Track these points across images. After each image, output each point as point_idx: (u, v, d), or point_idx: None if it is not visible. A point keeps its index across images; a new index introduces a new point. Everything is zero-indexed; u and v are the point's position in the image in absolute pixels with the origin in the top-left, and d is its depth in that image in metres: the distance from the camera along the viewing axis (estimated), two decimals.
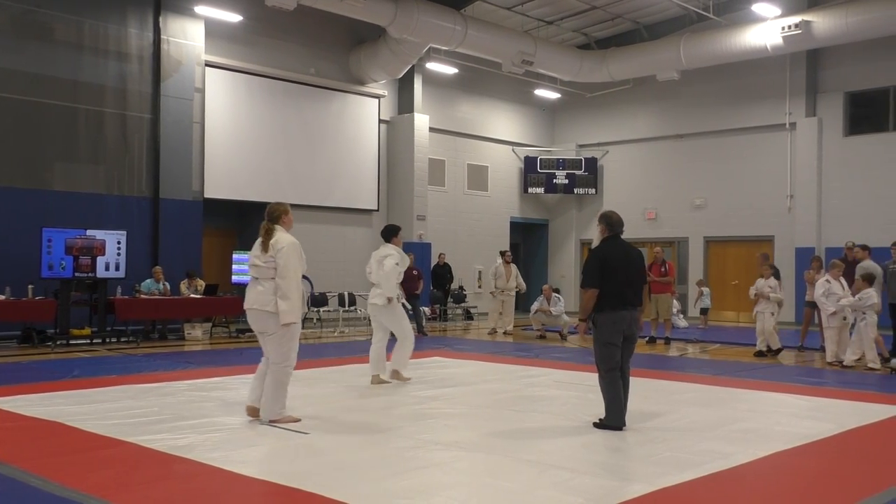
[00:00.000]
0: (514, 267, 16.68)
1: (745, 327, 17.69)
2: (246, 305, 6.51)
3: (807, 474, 5.33)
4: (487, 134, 22.29)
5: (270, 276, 6.33)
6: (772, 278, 12.34)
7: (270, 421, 6.40)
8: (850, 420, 6.99)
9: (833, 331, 11.18)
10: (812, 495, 4.85)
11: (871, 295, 10.79)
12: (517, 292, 16.77)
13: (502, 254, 16.94)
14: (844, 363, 10.90)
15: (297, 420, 6.49)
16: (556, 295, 16.01)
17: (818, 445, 6.06)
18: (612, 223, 6.75)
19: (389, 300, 8.61)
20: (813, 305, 12.82)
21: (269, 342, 6.42)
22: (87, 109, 14.33)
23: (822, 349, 11.90)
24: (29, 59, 13.71)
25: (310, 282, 16.28)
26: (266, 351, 6.55)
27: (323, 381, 9.10)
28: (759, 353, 12.17)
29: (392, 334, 9.02)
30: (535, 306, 15.90)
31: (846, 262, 12.27)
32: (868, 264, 11.76)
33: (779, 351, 12.15)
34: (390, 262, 8.54)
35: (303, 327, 16.72)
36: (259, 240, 6.51)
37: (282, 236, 6.47)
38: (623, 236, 6.83)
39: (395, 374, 8.99)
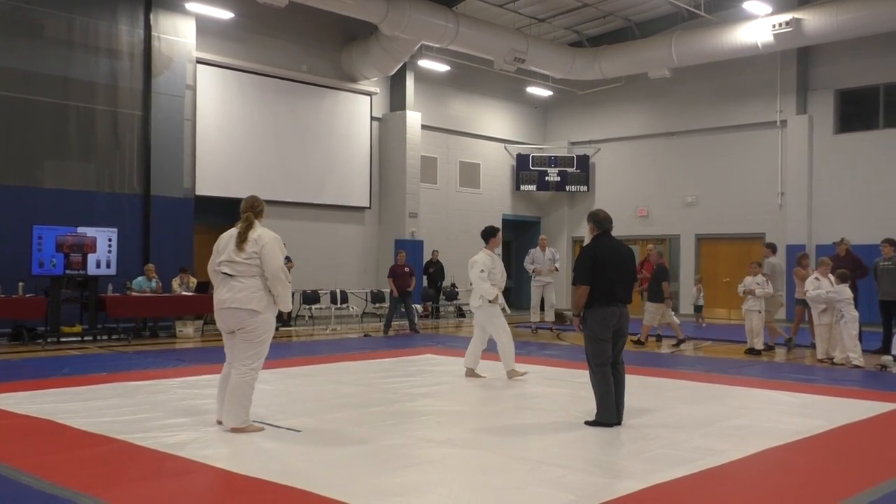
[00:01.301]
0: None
1: (736, 325, 17.74)
2: (221, 305, 6.07)
3: (797, 471, 5.36)
4: (479, 131, 22.30)
5: (252, 274, 6.00)
6: (759, 275, 12.39)
7: (233, 429, 6.00)
8: (839, 416, 7.02)
9: (823, 328, 11.22)
10: (802, 491, 4.87)
11: (844, 290, 10.84)
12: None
13: None
14: (834, 360, 10.95)
15: (261, 429, 6.12)
16: (552, 249, 16.14)
17: (808, 442, 6.09)
18: (599, 220, 6.79)
19: (491, 301, 9.01)
20: (803, 303, 12.87)
21: (244, 341, 6.04)
22: (78, 106, 14.28)
23: (813, 346, 11.95)
24: (19, 56, 13.65)
25: None
26: (231, 353, 6.18)
27: (315, 379, 9.10)
28: (750, 351, 12.21)
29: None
30: (527, 261, 15.92)
31: (837, 258, 12.32)
32: (772, 260, 12.70)
33: (759, 352, 12.16)
34: (475, 271, 8.93)
35: (294, 324, 16.75)
36: (231, 234, 6.14)
37: (263, 231, 6.11)
38: (615, 234, 6.85)
39: (512, 374, 9.08)
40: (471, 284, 9.24)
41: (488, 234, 9.25)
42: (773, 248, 13.58)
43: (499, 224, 22.68)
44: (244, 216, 6.17)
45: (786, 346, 12.85)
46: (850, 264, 11.97)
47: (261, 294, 6.01)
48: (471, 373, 9.26)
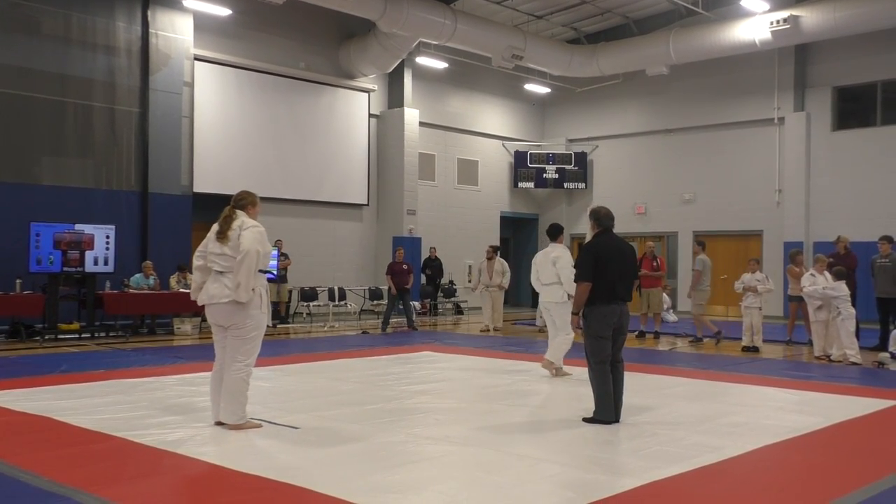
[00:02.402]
0: (499, 262, 16.22)
1: (734, 321, 17.75)
2: (210, 300, 6.03)
3: (794, 467, 5.37)
4: (477, 128, 22.29)
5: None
6: (758, 272, 12.40)
7: (231, 426, 6.02)
8: (837, 414, 7.04)
9: (819, 325, 11.24)
10: (799, 488, 4.88)
11: (841, 286, 10.85)
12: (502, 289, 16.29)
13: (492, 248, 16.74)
14: (832, 357, 10.96)
15: (259, 426, 6.15)
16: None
17: (806, 439, 6.11)
18: (600, 218, 6.80)
19: (570, 296, 9.04)
20: (798, 300, 12.91)
21: (235, 338, 6.00)
22: (76, 103, 14.26)
23: (810, 343, 11.98)
24: (16, 53, 13.63)
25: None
26: (221, 351, 6.13)
27: (313, 376, 9.10)
28: (746, 348, 12.22)
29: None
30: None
31: (837, 256, 12.35)
32: (702, 257, 13.19)
33: (757, 349, 12.16)
34: (567, 262, 8.93)
35: (292, 322, 16.74)
36: (214, 227, 6.08)
37: (246, 221, 6.02)
38: (613, 231, 6.85)
39: (559, 372, 9.14)
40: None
41: (558, 231, 9.46)
42: (702, 245, 13.80)
43: (496, 221, 22.75)
44: (224, 210, 6.13)
45: (714, 339, 13.27)
46: (849, 262, 11.98)
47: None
48: (560, 373, 9.21)
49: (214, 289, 6.04)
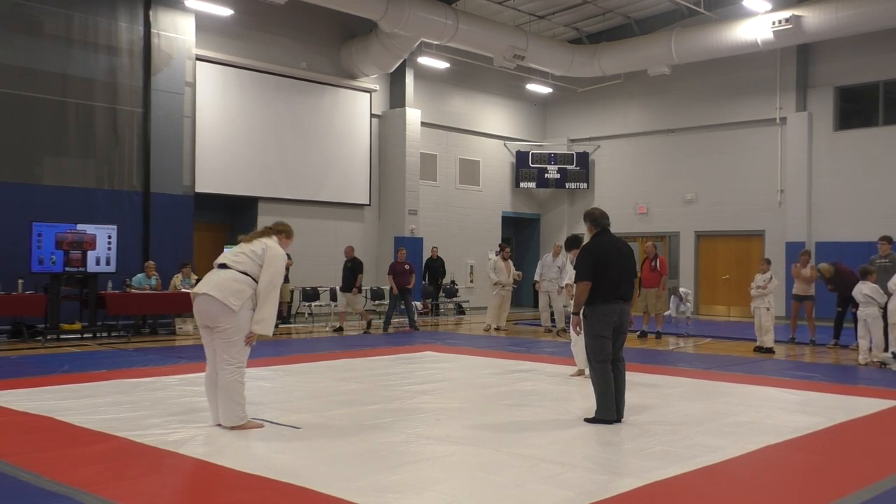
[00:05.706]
0: (510, 263, 16.66)
1: (735, 321, 17.77)
2: (199, 290, 5.97)
3: (796, 467, 5.37)
4: (479, 128, 22.28)
5: (247, 269, 5.93)
6: (768, 272, 12.37)
7: (233, 428, 6.00)
8: (838, 414, 7.04)
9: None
10: (801, 488, 4.88)
11: (865, 287, 10.83)
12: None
13: (501, 248, 16.97)
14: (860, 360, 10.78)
15: (261, 426, 6.16)
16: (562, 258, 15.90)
17: (807, 439, 6.10)
18: (596, 219, 6.82)
19: None
20: (800, 299, 12.91)
21: (223, 340, 5.96)
22: (77, 103, 14.26)
23: (812, 343, 11.95)
24: (18, 53, 13.64)
25: None
26: (211, 353, 6.13)
27: (314, 376, 9.10)
28: (759, 349, 12.14)
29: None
30: (538, 266, 15.77)
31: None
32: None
33: (770, 350, 12.09)
34: None
35: (294, 322, 16.73)
36: (244, 239, 6.21)
37: (274, 244, 6.12)
38: (615, 231, 6.86)
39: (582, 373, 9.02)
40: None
41: (573, 244, 9.43)
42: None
43: (498, 221, 22.74)
44: (262, 229, 6.37)
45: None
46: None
47: (243, 288, 5.90)
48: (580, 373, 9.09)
49: (211, 279, 5.99)
